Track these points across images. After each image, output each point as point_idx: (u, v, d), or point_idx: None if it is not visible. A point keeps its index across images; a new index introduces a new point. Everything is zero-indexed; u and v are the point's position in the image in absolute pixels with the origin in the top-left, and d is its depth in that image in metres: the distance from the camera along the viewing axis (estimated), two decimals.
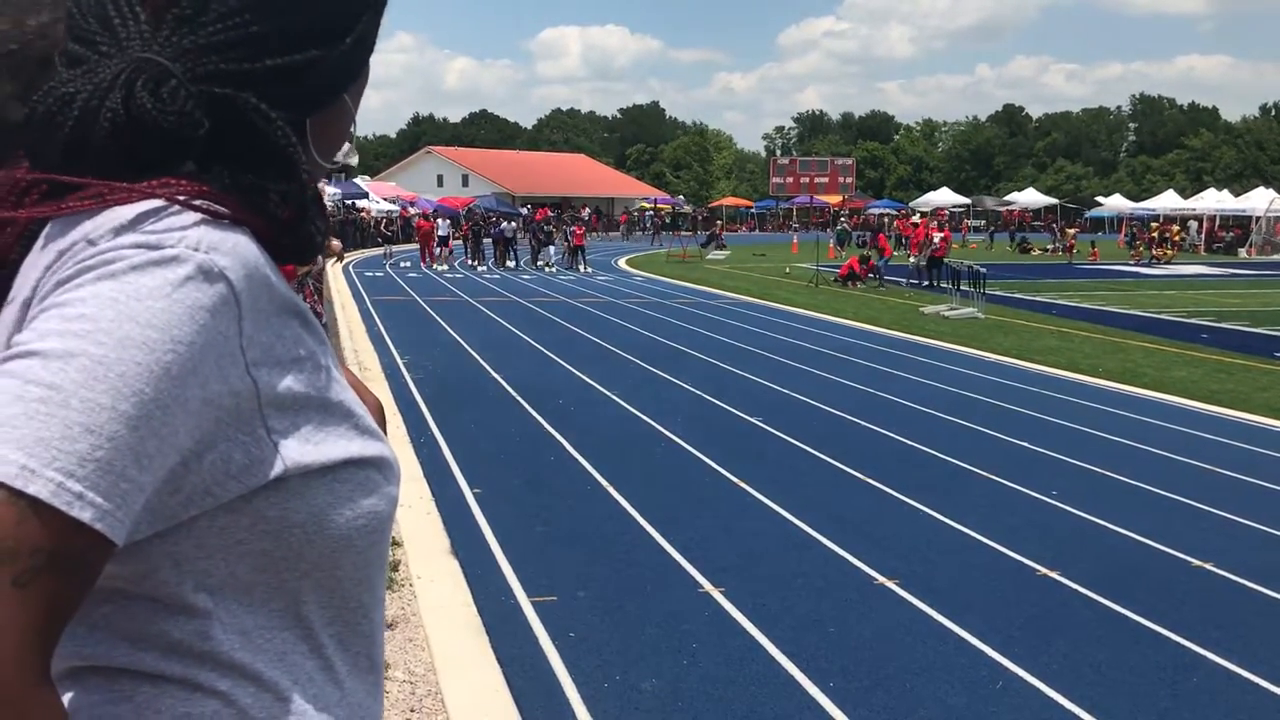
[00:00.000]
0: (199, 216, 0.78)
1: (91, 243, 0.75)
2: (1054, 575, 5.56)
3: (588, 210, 53.62)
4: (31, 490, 0.66)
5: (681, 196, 77.96)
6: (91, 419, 0.68)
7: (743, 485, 7.15)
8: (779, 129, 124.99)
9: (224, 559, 0.80)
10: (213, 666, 0.81)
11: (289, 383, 0.82)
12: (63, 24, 0.84)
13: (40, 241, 0.80)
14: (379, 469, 0.89)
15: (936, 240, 26.30)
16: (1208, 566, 5.77)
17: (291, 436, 0.81)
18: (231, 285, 0.76)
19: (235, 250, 0.78)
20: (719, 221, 62.10)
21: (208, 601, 0.80)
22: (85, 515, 0.68)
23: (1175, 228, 46.95)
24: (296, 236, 0.86)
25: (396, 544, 5.71)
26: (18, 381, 0.68)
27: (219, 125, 0.81)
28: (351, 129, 0.97)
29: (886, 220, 55.67)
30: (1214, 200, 53.44)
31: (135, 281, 0.72)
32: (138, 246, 0.74)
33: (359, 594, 0.90)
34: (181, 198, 0.78)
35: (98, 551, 0.71)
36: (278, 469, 0.80)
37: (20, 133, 0.79)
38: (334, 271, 24.33)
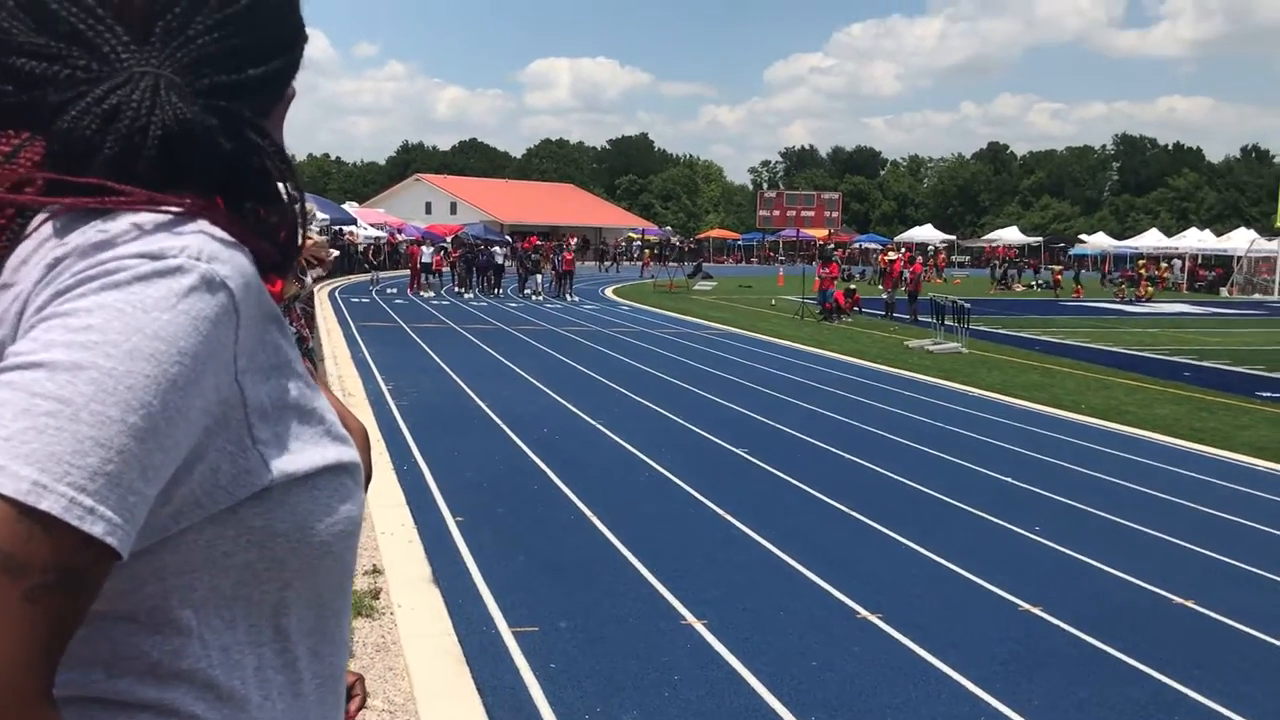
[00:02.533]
0: (198, 226, 0.78)
1: (91, 251, 0.74)
2: (1036, 611, 5.55)
3: (575, 240, 53.72)
4: (44, 506, 0.66)
5: (669, 227, 78.22)
6: (102, 433, 0.68)
7: (727, 516, 7.14)
8: (765, 163, 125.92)
9: (209, 572, 0.80)
10: (188, 687, 0.80)
11: (271, 389, 0.82)
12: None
13: (33, 240, 0.79)
14: (350, 474, 0.89)
15: (906, 275, 26.69)
16: (1189, 604, 5.78)
17: (275, 445, 0.81)
18: (233, 295, 0.76)
19: (234, 259, 0.78)
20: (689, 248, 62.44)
21: (191, 618, 0.80)
22: (97, 530, 0.68)
23: (1163, 264, 47.42)
24: (289, 248, 0.87)
25: (378, 571, 5.67)
26: (24, 395, 0.67)
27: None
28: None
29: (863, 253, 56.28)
30: (1196, 240, 53.97)
31: (141, 292, 0.72)
32: (141, 256, 0.73)
33: (334, 600, 0.91)
34: (180, 209, 0.78)
35: (104, 566, 0.70)
36: (265, 478, 0.80)
37: (58, 143, 0.77)
38: (319, 296, 24.28)
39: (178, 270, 0.74)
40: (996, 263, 50.05)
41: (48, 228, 0.78)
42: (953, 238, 73.67)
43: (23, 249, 0.78)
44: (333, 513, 0.86)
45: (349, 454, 0.89)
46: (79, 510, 0.67)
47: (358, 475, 0.90)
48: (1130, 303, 37.50)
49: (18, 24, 0.79)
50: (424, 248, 33.35)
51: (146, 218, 0.77)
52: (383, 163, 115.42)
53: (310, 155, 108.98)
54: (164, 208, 0.78)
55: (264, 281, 0.86)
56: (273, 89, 0.89)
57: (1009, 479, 8.68)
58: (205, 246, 0.76)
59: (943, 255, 58.69)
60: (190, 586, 0.79)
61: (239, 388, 0.78)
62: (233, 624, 0.82)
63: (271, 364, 0.83)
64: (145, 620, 0.79)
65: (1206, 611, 5.67)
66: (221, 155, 0.81)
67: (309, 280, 2.05)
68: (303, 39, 0.92)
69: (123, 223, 0.76)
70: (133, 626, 0.79)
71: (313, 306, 2.58)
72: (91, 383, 0.68)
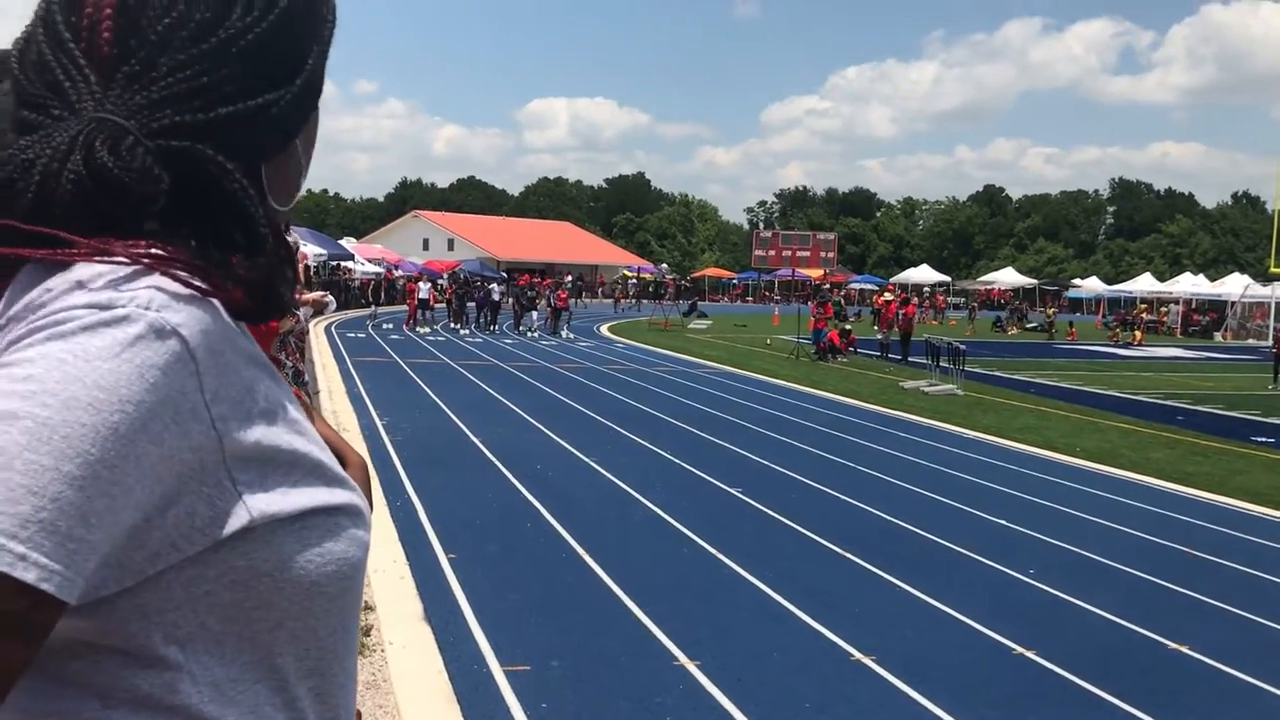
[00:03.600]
0: (152, 276, 0.78)
1: (44, 303, 0.75)
2: (1030, 654, 5.53)
3: (570, 277, 53.87)
4: None
5: (665, 265, 78.50)
6: (34, 481, 0.68)
7: (720, 556, 7.11)
8: (761, 203, 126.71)
9: (192, 610, 0.80)
10: None
11: (255, 435, 0.82)
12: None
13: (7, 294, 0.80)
14: (348, 515, 0.89)
15: (899, 315, 26.86)
16: (1183, 649, 5.76)
17: (258, 488, 0.81)
18: (185, 341, 0.76)
19: (188, 307, 0.78)
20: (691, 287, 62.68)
21: (178, 654, 0.80)
22: (29, 576, 0.68)
23: (1163, 309, 47.65)
24: (265, 298, 0.86)
25: (369, 608, 5.64)
26: None
27: (178, 180, 0.81)
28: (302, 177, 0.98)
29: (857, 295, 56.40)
30: (1190, 284, 54.27)
31: (85, 342, 0.72)
32: (89, 306, 0.74)
33: (334, 643, 0.90)
34: (126, 260, 0.78)
35: (45, 611, 0.70)
36: (244, 520, 0.80)
37: None
38: (315, 331, 24.29)
39: (124, 320, 0.74)
40: (982, 306, 50.46)
41: (12, 286, 0.79)
42: (948, 279, 73.86)
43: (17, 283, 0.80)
44: (323, 553, 0.86)
45: (343, 496, 0.89)
46: (9, 557, 0.67)
47: (356, 516, 0.90)
48: (1124, 346, 37.60)
49: (29, 75, 0.81)
50: (421, 284, 33.41)
51: (100, 268, 0.77)
52: (381, 199, 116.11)
53: (309, 191, 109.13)
54: (117, 258, 0.78)
55: (251, 324, 0.86)
56: (265, 128, 0.87)
57: (1003, 521, 8.67)
58: (155, 297, 0.76)
59: (941, 297, 58.69)
60: (175, 624, 0.79)
61: (217, 434, 0.78)
62: (225, 661, 0.82)
63: (259, 410, 0.83)
64: (136, 655, 0.79)
65: (1200, 657, 5.65)
66: (160, 199, 0.80)
67: (303, 315, 2.06)
68: (307, 75, 0.90)
69: (76, 274, 0.77)
70: (125, 659, 0.79)
71: (305, 341, 2.58)
72: (25, 432, 0.69)
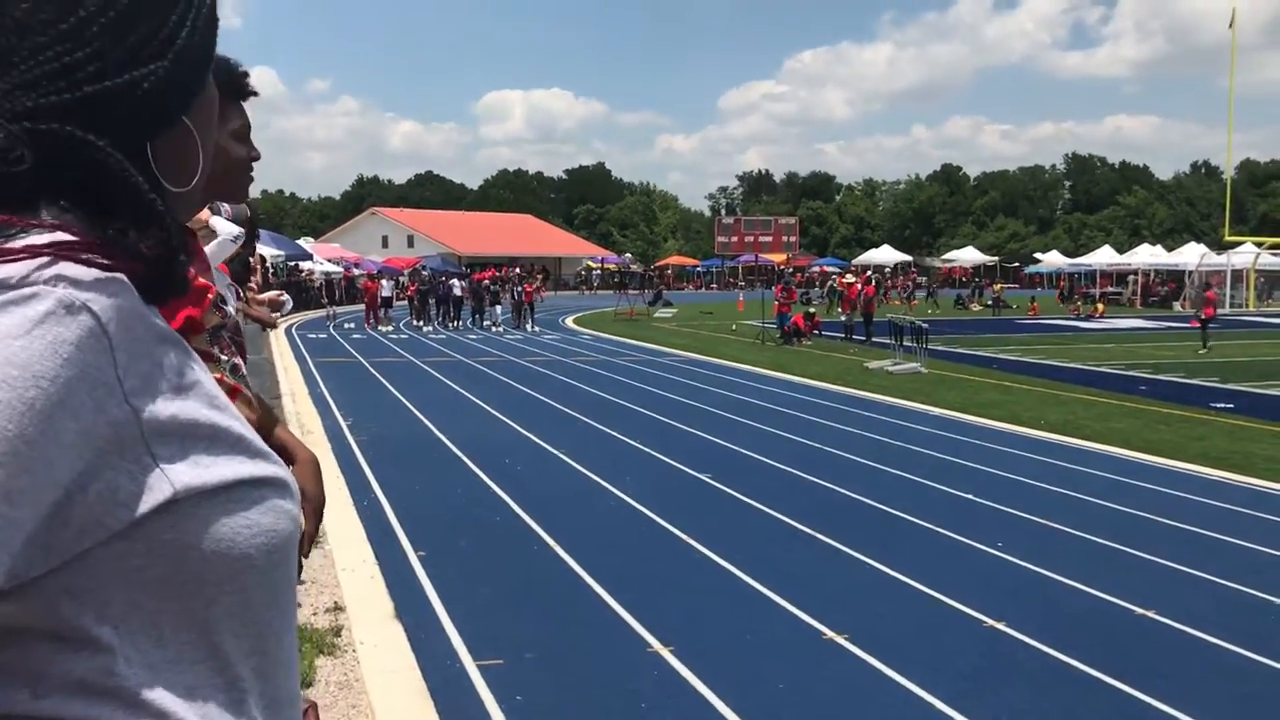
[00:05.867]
0: (53, 251, 0.77)
1: None
2: (1000, 627, 5.58)
3: (541, 274, 53.80)
4: None
5: (629, 255, 78.52)
6: None
7: (690, 542, 7.12)
8: (723, 189, 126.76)
9: (123, 587, 0.80)
10: (117, 703, 0.79)
11: (172, 409, 0.82)
12: None
13: None
14: (273, 487, 0.89)
15: (861, 296, 27.10)
16: (1150, 614, 5.83)
17: (179, 461, 0.81)
18: (96, 316, 0.76)
19: (97, 283, 0.77)
20: (666, 276, 62.83)
21: (111, 636, 0.79)
22: None
23: (1130, 280, 48.34)
24: (162, 273, 0.85)
25: (339, 608, 5.60)
26: None
27: (57, 161, 0.80)
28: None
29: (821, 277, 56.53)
30: (1148, 255, 54.86)
31: None
32: None
33: (270, 619, 0.90)
34: (39, 237, 0.77)
35: None
36: (166, 493, 0.80)
37: None
38: (275, 333, 24.08)
39: (33, 297, 0.74)
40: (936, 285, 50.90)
41: None
42: (910, 259, 74.34)
43: None
44: (250, 525, 0.85)
45: (269, 469, 0.89)
46: None
47: (282, 489, 0.90)
48: (1086, 319, 38.01)
49: None
50: (384, 281, 33.23)
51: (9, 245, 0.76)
52: (338, 197, 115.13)
53: (264, 191, 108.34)
54: (13, 235, 0.77)
55: (166, 307, 0.85)
56: (139, 104, 0.86)
57: (970, 496, 8.74)
58: (65, 271, 0.76)
59: (914, 274, 58.02)
60: (106, 603, 0.79)
61: (131, 408, 0.78)
62: (161, 642, 0.82)
63: (174, 385, 0.82)
64: (66, 638, 0.78)
65: (1166, 620, 5.73)
66: (25, 178, 0.79)
67: (231, 310, 2.06)
68: (179, 48, 0.88)
69: None
70: (54, 644, 0.78)
71: (242, 335, 2.55)
72: None
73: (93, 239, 0.80)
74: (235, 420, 0.88)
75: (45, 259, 0.76)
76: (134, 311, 0.80)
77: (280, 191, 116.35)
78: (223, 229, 3.44)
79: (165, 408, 0.81)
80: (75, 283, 0.76)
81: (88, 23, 0.83)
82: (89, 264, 0.78)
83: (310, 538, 1.96)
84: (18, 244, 0.77)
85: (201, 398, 0.85)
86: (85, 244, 0.79)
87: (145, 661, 0.81)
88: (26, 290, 0.74)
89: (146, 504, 0.79)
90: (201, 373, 0.87)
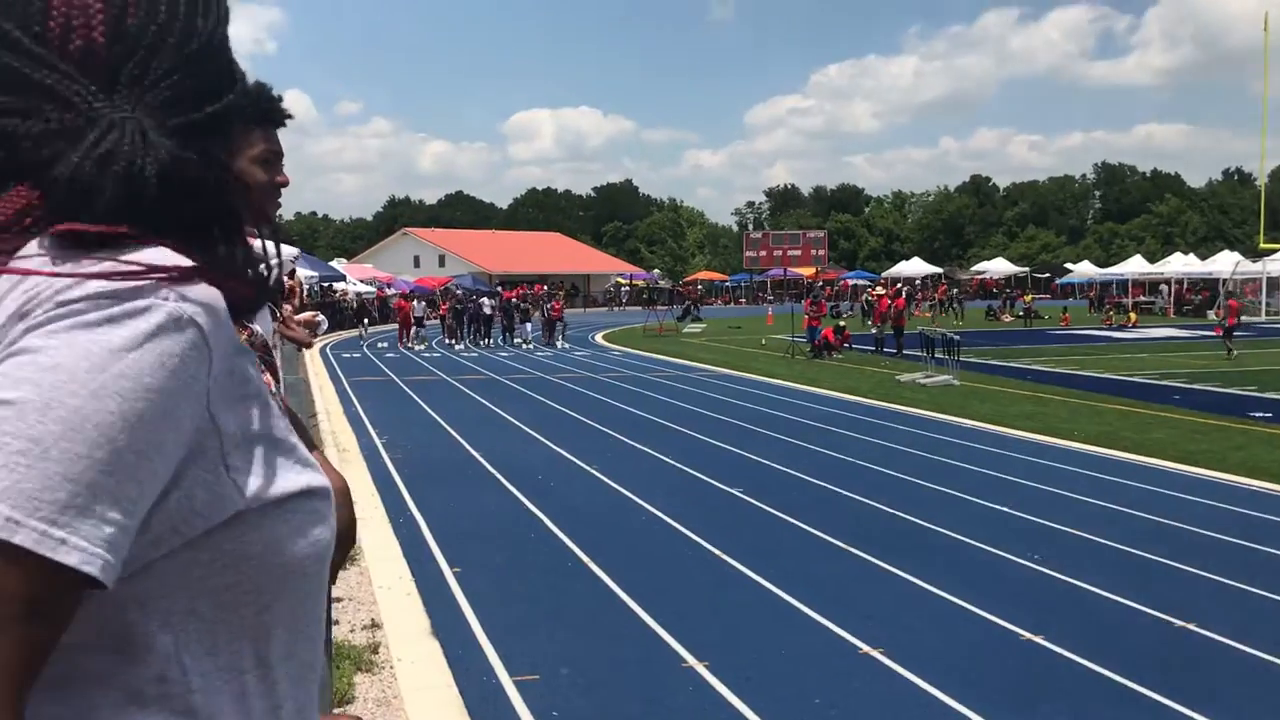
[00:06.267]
0: (167, 263, 0.80)
1: (62, 290, 0.77)
2: (1038, 640, 5.54)
3: (562, 291, 53.96)
4: (17, 540, 0.69)
5: (657, 271, 78.57)
6: (70, 469, 0.71)
7: (724, 557, 7.12)
8: (750, 204, 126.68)
9: (186, 595, 0.82)
10: (168, 714, 0.82)
11: (243, 419, 0.85)
12: None
13: (7, 279, 0.81)
14: (321, 497, 0.92)
15: (891, 309, 26.97)
16: (1190, 627, 5.77)
17: (247, 471, 0.84)
18: (202, 330, 0.79)
19: (202, 296, 0.81)
20: (695, 291, 62.86)
21: (170, 644, 0.81)
22: (71, 560, 0.71)
23: (1162, 289, 47.83)
24: (262, 293, 0.91)
25: (376, 625, 5.64)
26: None
27: (183, 181, 0.84)
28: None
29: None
30: (1181, 264, 54.32)
31: (110, 332, 0.75)
32: (109, 296, 0.76)
33: (309, 626, 0.93)
34: (149, 253, 0.80)
35: (77, 596, 0.74)
36: (237, 504, 0.83)
37: (61, 191, 0.80)
38: (310, 353, 24.27)
39: (145, 310, 0.77)
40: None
41: (31, 262, 0.80)
42: (941, 271, 73.96)
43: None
44: (305, 536, 0.88)
45: (319, 479, 0.92)
46: (51, 543, 0.70)
47: (326, 500, 0.93)
48: (1119, 329, 37.66)
49: None
50: (417, 302, 33.47)
51: (114, 258, 0.79)
52: (370, 218, 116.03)
53: (298, 214, 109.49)
54: (135, 249, 0.80)
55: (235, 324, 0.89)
56: (227, 128, 0.92)
57: (1005, 509, 8.68)
58: (174, 286, 0.79)
59: (944, 287, 57.34)
60: (169, 611, 0.81)
61: (210, 417, 0.81)
62: (214, 651, 0.84)
63: (242, 394, 0.85)
64: (126, 647, 0.80)
65: (1207, 633, 5.67)
66: (203, 193, 0.84)
67: (258, 328, 2.08)
68: (240, 76, 0.95)
69: (93, 263, 0.79)
70: (118, 651, 0.80)
71: (272, 355, 2.57)
72: (59, 421, 0.71)
73: (200, 257, 0.83)
74: (289, 431, 0.91)
75: (162, 275, 0.80)
76: (225, 321, 0.83)
77: (313, 213, 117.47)
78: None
79: (237, 418, 0.84)
80: (183, 297, 0.79)
81: (204, 49, 0.88)
82: (196, 274, 0.81)
83: (337, 567, 1.96)
84: (134, 256, 0.80)
85: (265, 408, 0.87)
86: (198, 264, 0.82)
87: (199, 669, 0.83)
88: (140, 303, 0.77)
89: (219, 513, 0.82)
90: (260, 380, 0.90)
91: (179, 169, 0.82)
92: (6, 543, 0.69)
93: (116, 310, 0.76)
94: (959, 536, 7.71)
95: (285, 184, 2.10)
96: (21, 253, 0.81)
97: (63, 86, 0.82)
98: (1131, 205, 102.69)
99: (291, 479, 0.88)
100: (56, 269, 0.78)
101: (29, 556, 0.70)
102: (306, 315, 5.61)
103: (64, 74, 0.82)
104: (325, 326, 6.88)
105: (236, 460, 0.83)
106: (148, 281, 0.78)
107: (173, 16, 0.87)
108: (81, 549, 0.71)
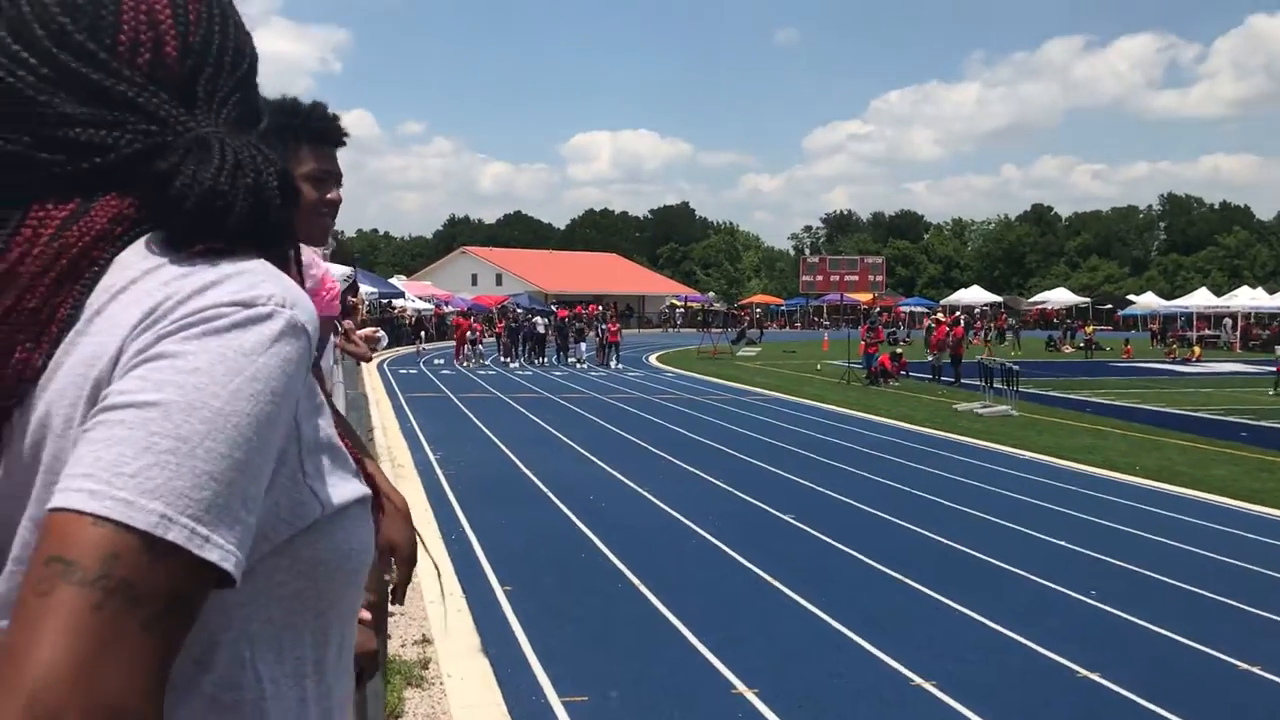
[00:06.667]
0: (276, 274, 0.83)
1: (188, 298, 0.79)
2: (1094, 677, 5.44)
3: (613, 312, 54.13)
4: (170, 537, 0.71)
5: (712, 294, 78.53)
6: (214, 467, 0.73)
7: (775, 583, 7.08)
8: (807, 228, 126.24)
9: (264, 602, 0.83)
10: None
11: (315, 427, 0.87)
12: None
13: (118, 277, 0.82)
14: (369, 507, 0.94)
15: (949, 337, 26.61)
16: (1255, 669, 5.63)
17: (319, 479, 0.86)
18: (309, 338, 0.82)
19: (306, 304, 0.83)
20: (750, 316, 62.76)
21: (247, 650, 0.83)
22: (213, 556, 0.72)
23: (1226, 323, 46.84)
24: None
25: (427, 641, 5.68)
26: (144, 433, 0.72)
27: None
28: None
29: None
30: (1248, 298, 53.14)
31: (239, 338, 0.77)
32: (235, 304, 0.79)
33: (351, 632, 0.95)
34: (259, 264, 0.84)
35: (206, 595, 0.75)
36: (316, 511, 0.85)
37: (190, 203, 0.82)
38: (368, 367, 24.55)
39: (269, 317, 0.79)
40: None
41: (134, 270, 0.82)
42: (999, 299, 73.14)
43: (106, 282, 0.82)
44: (361, 542, 0.91)
45: (366, 489, 0.94)
46: (198, 540, 0.72)
47: (372, 507, 0.95)
48: (1182, 362, 36.94)
49: (61, 98, 0.83)
50: (474, 321, 33.77)
51: (231, 266, 0.82)
52: (429, 236, 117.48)
53: (359, 230, 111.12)
54: (237, 259, 0.83)
55: None
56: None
57: (1062, 542, 8.55)
58: (286, 294, 0.82)
59: (1004, 317, 56.67)
60: (248, 618, 0.83)
61: (296, 424, 0.84)
62: (280, 657, 0.85)
63: (316, 402, 0.88)
64: (205, 655, 0.81)
65: (1272, 676, 5.53)
66: (292, 208, 0.88)
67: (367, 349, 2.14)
68: (262, 108, 0.99)
69: (211, 271, 0.81)
70: (193, 662, 0.81)
71: (319, 370, 2.64)
72: (205, 421, 0.74)
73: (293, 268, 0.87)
74: (341, 441, 0.93)
75: (276, 280, 0.83)
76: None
77: (375, 230, 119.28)
78: (334, 271, 3.55)
79: (311, 425, 0.86)
80: (294, 303, 0.82)
81: (252, 68, 0.93)
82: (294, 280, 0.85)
83: (404, 584, 1.96)
84: (244, 266, 0.82)
85: (328, 416, 0.90)
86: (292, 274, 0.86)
87: (269, 675, 0.84)
88: (262, 309, 0.79)
89: (301, 520, 0.84)
90: (320, 390, 0.92)
91: (288, 182, 0.86)
92: (161, 539, 0.70)
93: (241, 316, 0.78)
94: (1014, 569, 7.60)
95: (337, 202, 2.09)
96: (121, 260, 0.83)
97: (145, 99, 0.85)
98: (1197, 237, 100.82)
99: (352, 486, 0.90)
100: (193, 276, 0.81)
101: (179, 553, 0.71)
102: (367, 331, 5.69)
103: (142, 87, 0.85)
104: (385, 342, 6.96)
105: (309, 467, 0.85)
106: (270, 290, 0.81)
107: (226, 37, 0.91)
108: (221, 547, 0.73)
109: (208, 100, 0.88)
